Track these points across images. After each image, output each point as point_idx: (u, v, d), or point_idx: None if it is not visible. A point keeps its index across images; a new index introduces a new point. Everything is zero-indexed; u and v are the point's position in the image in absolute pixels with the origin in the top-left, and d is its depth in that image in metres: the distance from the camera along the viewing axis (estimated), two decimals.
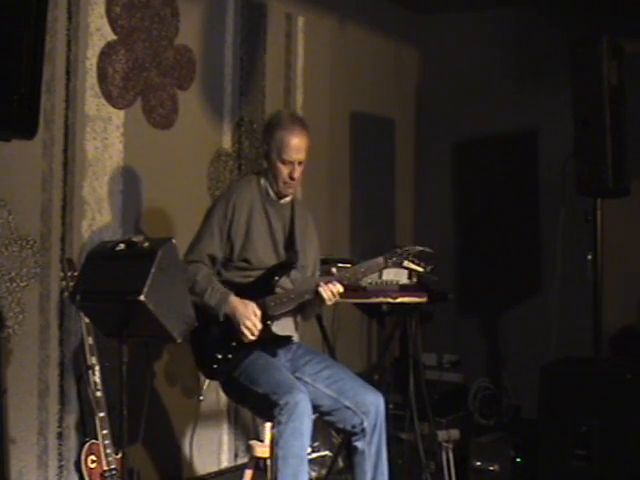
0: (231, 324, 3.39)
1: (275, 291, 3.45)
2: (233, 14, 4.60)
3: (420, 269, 3.39)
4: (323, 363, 3.49)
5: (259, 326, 3.38)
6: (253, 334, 3.37)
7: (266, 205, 3.52)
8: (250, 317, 3.36)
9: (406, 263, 3.37)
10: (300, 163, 3.46)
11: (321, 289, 3.35)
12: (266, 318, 3.41)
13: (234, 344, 3.40)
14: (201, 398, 3.58)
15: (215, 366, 3.40)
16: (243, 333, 3.36)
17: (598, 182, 4.35)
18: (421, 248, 3.40)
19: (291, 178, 3.45)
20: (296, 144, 3.42)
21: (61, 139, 3.73)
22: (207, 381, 3.53)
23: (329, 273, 3.55)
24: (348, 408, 3.36)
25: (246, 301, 3.39)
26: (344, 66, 5.43)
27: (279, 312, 3.43)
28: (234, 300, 3.38)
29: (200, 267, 3.41)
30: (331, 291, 3.35)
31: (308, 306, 3.54)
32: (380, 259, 3.40)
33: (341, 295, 3.40)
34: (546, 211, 5.57)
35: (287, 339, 3.48)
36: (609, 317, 4.76)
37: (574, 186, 4.44)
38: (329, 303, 3.39)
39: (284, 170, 3.44)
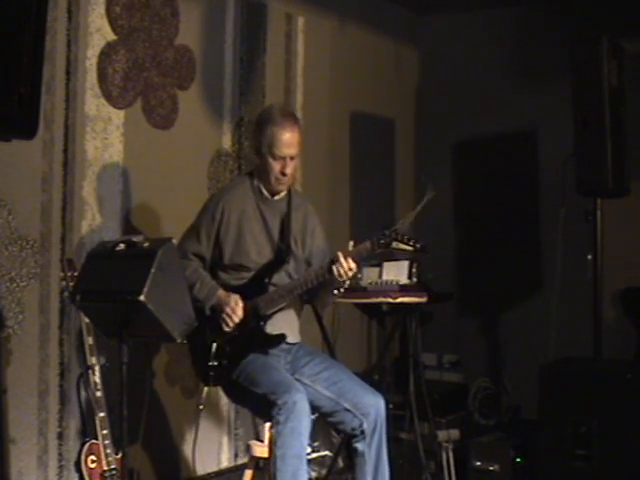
0: (222, 327, 3.39)
1: (269, 291, 3.43)
2: (233, 14, 4.60)
3: (410, 247, 3.22)
4: (323, 364, 3.48)
5: (239, 314, 3.35)
6: (233, 320, 3.35)
7: (260, 204, 3.48)
8: (230, 304, 3.35)
9: (395, 244, 3.24)
10: (292, 158, 3.39)
11: (334, 266, 3.22)
12: (258, 319, 3.40)
13: (228, 349, 3.39)
14: (201, 407, 3.55)
15: (211, 373, 3.39)
16: (223, 320, 3.36)
17: (598, 182, 4.36)
18: (419, 207, 3.23)
19: (283, 174, 3.39)
20: (287, 139, 3.36)
21: (61, 139, 3.73)
22: (206, 388, 3.52)
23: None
24: (348, 410, 3.35)
25: (232, 293, 3.38)
26: (344, 66, 5.43)
27: (271, 311, 3.41)
28: (221, 293, 3.39)
29: (186, 263, 3.39)
30: (343, 268, 3.22)
31: (317, 295, 3.51)
32: (367, 243, 3.27)
33: (354, 273, 3.25)
34: (546, 211, 5.57)
35: (280, 338, 3.44)
36: (609, 317, 4.76)
37: (574, 186, 4.45)
38: (342, 279, 3.24)
39: (276, 166, 3.38)
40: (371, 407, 3.35)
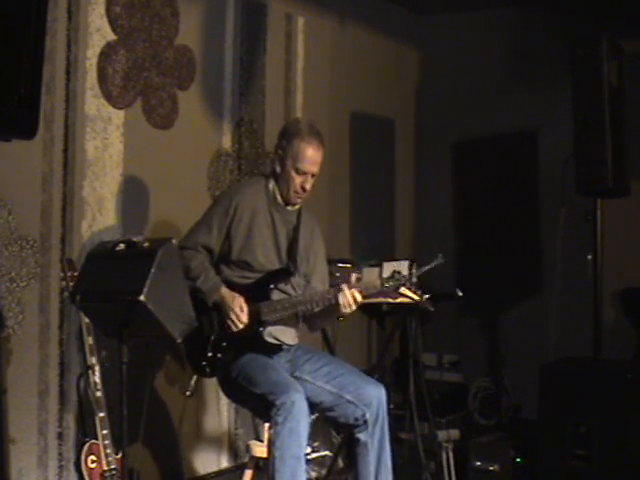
0: (223, 324, 3.40)
1: (271, 297, 3.44)
2: (233, 14, 4.60)
3: (416, 297, 3.36)
4: (322, 360, 3.51)
5: (244, 319, 3.38)
6: (237, 326, 3.38)
7: (272, 209, 3.51)
8: (236, 309, 3.37)
9: (403, 290, 3.34)
10: (313, 176, 3.46)
11: (340, 295, 3.31)
12: (258, 324, 3.41)
13: (225, 344, 3.41)
14: (188, 393, 3.59)
15: (204, 363, 3.42)
16: (228, 323, 3.38)
17: (598, 182, 4.36)
18: (427, 267, 3.33)
19: (302, 189, 3.45)
20: (312, 156, 3.43)
21: (61, 139, 3.73)
22: (195, 377, 3.55)
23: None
24: (350, 402, 3.37)
25: (236, 294, 3.40)
26: (344, 66, 5.43)
27: (273, 319, 3.43)
28: (225, 290, 3.41)
29: (194, 254, 3.43)
30: (347, 299, 3.31)
31: (315, 317, 3.54)
32: (377, 282, 3.38)
33: (357, 304, 3.36)
34: (546, 211, 5.57)
35: (277, 347, 3.47)
36: (609, 317, 4.76)
37: (574, 186, 4.45)
38: (344, 310, 3.34)
39: (297, 179, 3.43)
40: (373, 397, 3.37)
